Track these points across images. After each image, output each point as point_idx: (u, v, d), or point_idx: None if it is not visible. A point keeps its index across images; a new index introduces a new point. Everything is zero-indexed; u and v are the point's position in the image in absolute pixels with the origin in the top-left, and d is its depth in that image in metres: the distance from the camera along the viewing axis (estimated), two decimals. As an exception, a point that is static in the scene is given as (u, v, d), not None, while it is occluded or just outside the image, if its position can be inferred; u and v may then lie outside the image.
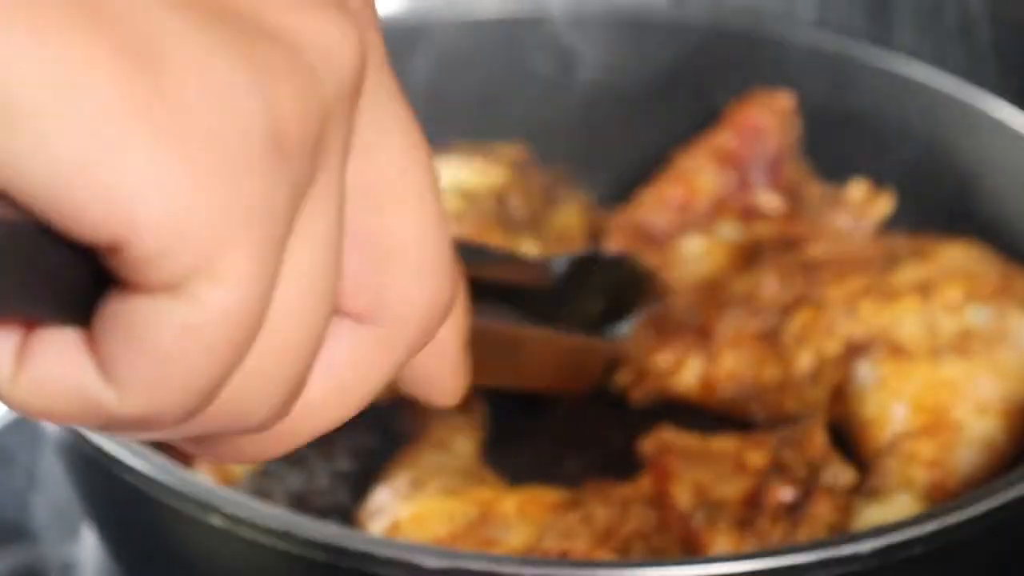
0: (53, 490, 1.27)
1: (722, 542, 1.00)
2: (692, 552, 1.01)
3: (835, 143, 1.37)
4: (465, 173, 1.31)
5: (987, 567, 1.01)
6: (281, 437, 0.54)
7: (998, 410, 1.10)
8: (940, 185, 1.34)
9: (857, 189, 1.32)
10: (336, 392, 0.54)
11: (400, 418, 1.21)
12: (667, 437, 1.06)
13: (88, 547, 1.22)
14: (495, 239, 1.22)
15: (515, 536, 1.01)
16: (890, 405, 1.10)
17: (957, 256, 1.20)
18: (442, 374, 0.65)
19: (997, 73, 1.44)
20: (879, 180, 1.34)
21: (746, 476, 1.03)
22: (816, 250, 1.23)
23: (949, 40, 1.46)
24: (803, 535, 0.99)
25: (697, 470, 1.03)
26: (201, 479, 0.97)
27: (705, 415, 1.18)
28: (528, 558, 0.97)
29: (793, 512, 1.00)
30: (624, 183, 1.39)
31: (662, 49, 1.41)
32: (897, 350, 1.13)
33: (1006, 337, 1.13)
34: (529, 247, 1.24)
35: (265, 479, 1.21)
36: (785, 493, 1.01)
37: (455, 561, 0.91)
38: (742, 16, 1.44)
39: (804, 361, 1.16)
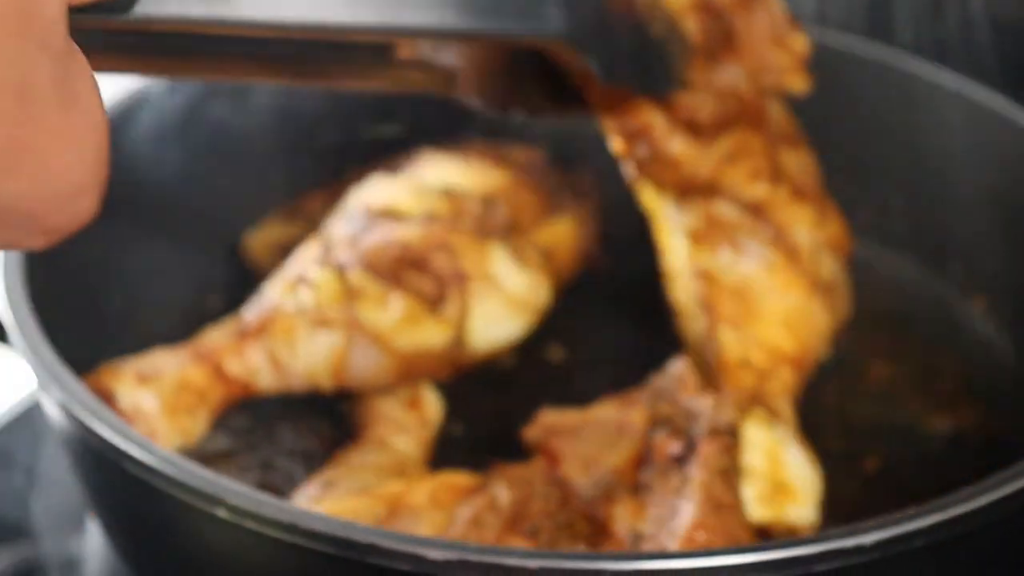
0: (53, 488, 1.27)
1: (621, 512, 1.00)
2: (598, 527, 1.01)
3: (834, 137, 1.39)
4: (457, 174, 1.32)
5: (988, 559, 1.01)
6: None
7: None
8: (940, 177, 1.36)
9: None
10: None
11: (351, 415, 1.23)
12: (548, 420, 1.07)
13: (91, 543, 1.23)
14: (464, 243, 1.23)
15: (425, 526, 1.02)
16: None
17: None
18: None
19: (996, 70, 1.45)
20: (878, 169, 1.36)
21: (630, 438, 1.04)
22: None
23: (949, 37, 1.46)
24: (698, 483, 0.99)
25: (582, 445, 1.04)
26: (207, 472, 0.97)
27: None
28: (531, 550, 0.97)
29: (682, 463, 1.00)
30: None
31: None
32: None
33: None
34: (500, 258, 1.24)
35: (270, 472, 1.22)
36: (673, 447, 1.01)
37: (459, 553, 0.91)
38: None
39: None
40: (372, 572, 0.92)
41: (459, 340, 1.21)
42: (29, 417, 1.34)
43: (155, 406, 1.13)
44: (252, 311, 1.19)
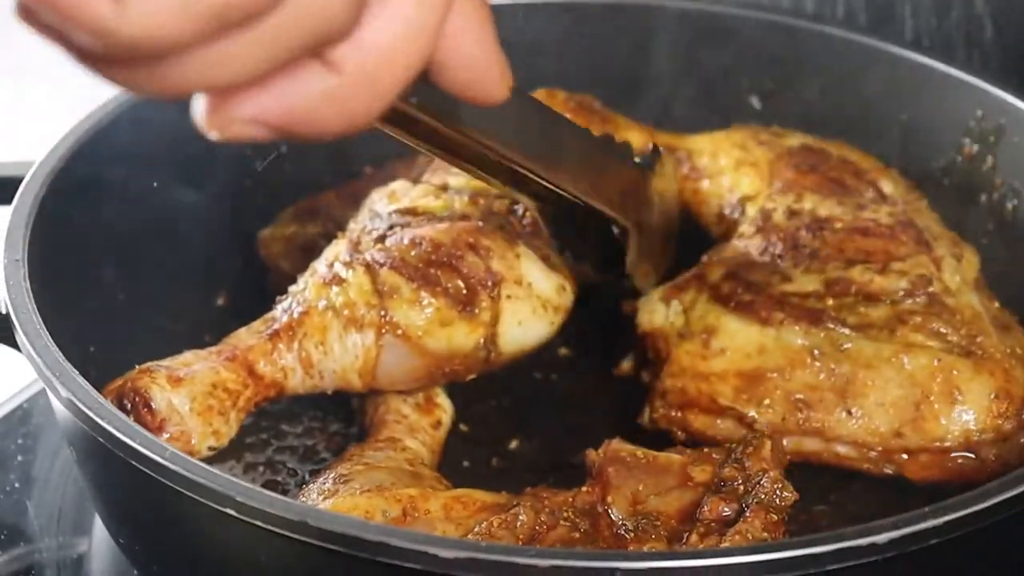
0: (52, 490, 1.27)
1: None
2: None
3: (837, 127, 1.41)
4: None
5: (1000, 557, 1.01)
6: (356, 92, 0.72)
7: None
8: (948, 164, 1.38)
9: None
10: (393, 41, 0.73)
11: (363, 414, 1.23)
12: (616, 448, 1.07)
13: (95, 543, 1.22)
14: (495, 244, 1.22)
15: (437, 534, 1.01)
16: None
17: None
18: (480, 60, 0.79)
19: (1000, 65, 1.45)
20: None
21: (688, 490, 1.04)
22: None
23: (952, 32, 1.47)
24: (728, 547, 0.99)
25: (638, 482, 1.04)
26: (216, 471, 0.97)
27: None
28: (543, 549, 0.97)
29: (725, 527, 1.01)
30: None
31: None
32: None
33: None
34: (529, 259, 1.23)
35: (276, 471, 1.22)
36: (725, 509, 1.02)
37: (470, 552, 0.90)
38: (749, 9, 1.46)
39: None
40: (383, 570, 0.91)
41: (490, 342, 1.20)
42: (28, 417, 1.34)
43: (189, 407, 1.13)
44: (283, 311, 1.18)
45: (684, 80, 1.45)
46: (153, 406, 1.12)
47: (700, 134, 1.40)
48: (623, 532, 1.02)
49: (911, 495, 1.14)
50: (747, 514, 1.00)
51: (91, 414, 1.00)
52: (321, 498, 1.06)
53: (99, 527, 1.21)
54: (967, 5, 1.45)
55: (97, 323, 1.22)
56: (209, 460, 1.13)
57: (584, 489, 1.05)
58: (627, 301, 1.28)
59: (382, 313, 1.17)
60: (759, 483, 1.02)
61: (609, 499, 1.03)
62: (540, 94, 1.44)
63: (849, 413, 1.16)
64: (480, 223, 1.23)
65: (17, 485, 1.27)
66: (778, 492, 1.02)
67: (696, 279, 1.24)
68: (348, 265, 1.19)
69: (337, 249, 1.22)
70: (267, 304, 1.21)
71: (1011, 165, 1.32)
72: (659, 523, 1.02)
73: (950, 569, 0.98)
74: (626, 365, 1.26)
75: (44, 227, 1.18)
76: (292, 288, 1.21)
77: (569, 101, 1.42)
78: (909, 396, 1.15)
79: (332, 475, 1.09)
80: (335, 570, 0.94)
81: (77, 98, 1.28)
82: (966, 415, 1.15)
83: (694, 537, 0.99)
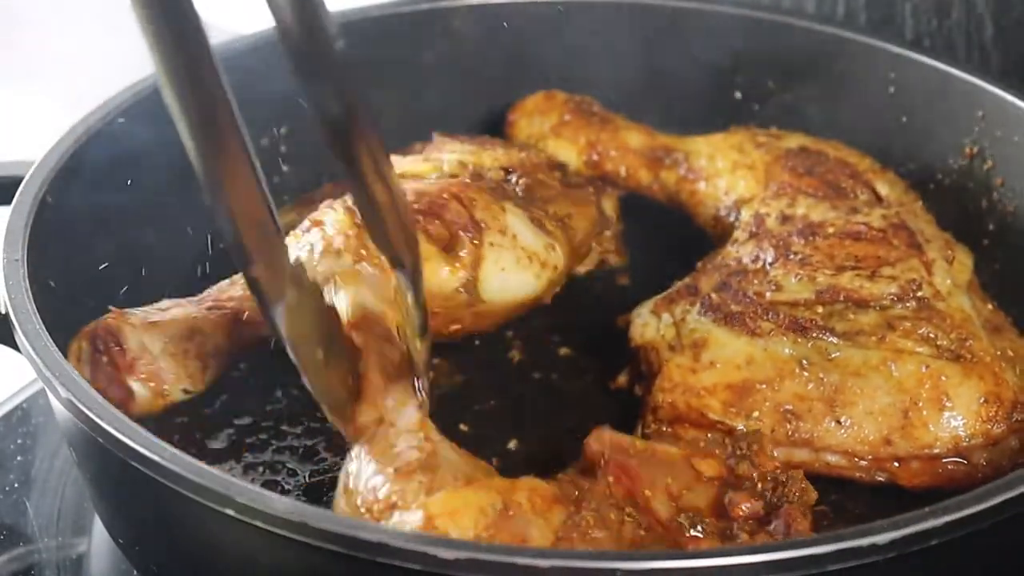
0: (51, 490, 1.27)
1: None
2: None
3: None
4: (476, 151, 1.33)
5: (1000, 558, 1.01)
6: None
7: None
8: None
9: None
10: None
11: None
12: (611, 438, 1.07)
13: (95, 543, 1.22)
14: (480, 198, 1.24)
15: (538, 535, 0.99)
16: None
17: None
18: None
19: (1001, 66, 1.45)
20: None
21: (707, 485, 1.04)
22: None
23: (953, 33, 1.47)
24: None
25: (661, 476, 1.04)
26: (216, 471, 0.97)
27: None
28: (543, 549, 0.97)
29: (765, 526, 1.01)
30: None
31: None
32: None
33: None
34: (515, 215, 1.25)
35: (276, 471, 1.22)
36: (748, 507, 1.02)
37: (470, 552, 0.90)
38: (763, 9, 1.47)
39: None
40: (383, 570, 0.91)
41: (471, 285, 1.21)
42: (28, 417, 1.34)
43: (161, 348, 1.13)
44: None
45: (683, 80, 1.46)
46: (124, 345, 1.12)
47: (698, 136, 1.40)
48: (679, 529, 1.01)
49: (911, 496, 1.14)
50: (785, 514, 1.01)
51: (91, 414, 1.00)
52: (423, 494, 1.00)
53: (99, 527, 1.21)
54: (967, 5, 1.45)
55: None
56: (209, 460, 1.13)
57: (609, 480, 1.04)
58: (620, 315, 1.28)
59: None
60: (784, 483, 1.03)
61: (647, 493, 1.03)
62: (539, 95, 1.44)
63: (838, 422, 1.16)
64: (467, 180, 1.24)
65: (17, 485, 1.27)
66: (803, 493, 1.03)
67: (687, 290, 1.25)
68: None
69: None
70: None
71: (1011, 165, 1.32)
72: (707, 520, 1.02)
73: (950, 569, 0.98)
74: (621, 379, 1.26)
75: (44, 227, 1.18)
76: None
77: (569, 102, 1.43)
78: (897, 403, 1.15)
79: (404, 461, 1.02)
80: (335, 570, 0.94)
81: (77, 98, 1.28)
82: (955, 421, 1.15)
83: (744, 536, 1.00)
